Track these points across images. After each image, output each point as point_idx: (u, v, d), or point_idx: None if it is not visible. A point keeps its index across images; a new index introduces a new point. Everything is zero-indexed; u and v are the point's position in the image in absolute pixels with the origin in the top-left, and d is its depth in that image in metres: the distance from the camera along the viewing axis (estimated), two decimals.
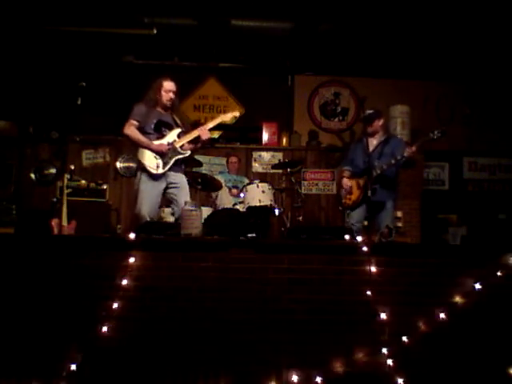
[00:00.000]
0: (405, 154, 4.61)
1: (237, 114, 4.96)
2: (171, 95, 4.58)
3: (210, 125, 4.71)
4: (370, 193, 4.73)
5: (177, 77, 4.73)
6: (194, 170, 6.14)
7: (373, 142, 5.00)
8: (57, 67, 7.67)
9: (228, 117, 4.85)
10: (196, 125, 5.12)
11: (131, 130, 4.51)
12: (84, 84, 4.41)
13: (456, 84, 8.24)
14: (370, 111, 5.07)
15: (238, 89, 7.94)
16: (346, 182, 5.05)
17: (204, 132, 4.59)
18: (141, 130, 4.53)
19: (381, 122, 5.02)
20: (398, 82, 8.10)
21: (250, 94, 8.15)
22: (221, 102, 8.12)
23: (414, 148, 4.61)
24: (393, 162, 4.70)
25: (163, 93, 4.57)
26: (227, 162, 6.75)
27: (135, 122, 4.52)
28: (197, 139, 4.62)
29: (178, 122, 4.68)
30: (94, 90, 4.80)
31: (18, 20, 6.92)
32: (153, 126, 4.56)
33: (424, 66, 7.79)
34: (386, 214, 4.84)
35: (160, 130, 4.58)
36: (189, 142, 4.63)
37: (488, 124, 8.08)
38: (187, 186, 4.69)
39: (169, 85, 4.58)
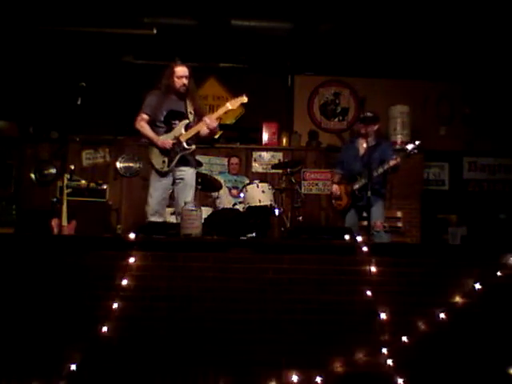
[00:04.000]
0: (390, 163, 4.75)
1: (245, 99, 4.69)
2: (184, 80, 4.45)
3: (217, 114, 4.58)
4: (368, 192, 4.78)
5: None
6: None
7: (363, 145, 4.98)
8: (57, 67, 7.68)
9: (235, 104, 4.65)
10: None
11: (141, 125, 4.45)
12: (84, 84, 4.39)
13: (456, 84, 8.25)
14: (370, 114, 5.06)
15: (238, 89, 7.88)
16: (335, 189, 5.15)
17: (211, 122, 4.45)
18: (152, 123, 4.46)
19: (376, 127, 5.03)
20: (397, 82, 8.11)
21: (250, 94, 8.09)
22: (221, 102, 8.07)
23: (398, 159, 4.77)
24: (380, 171, 4.79)
25: (176, 79, 4.44)
26: (228, 162, 6.74)
27: (145, 116, 4.45)
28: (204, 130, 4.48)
29: (190, 110, 4.52)
30: (93, 90, 4.79)
31: (18, 20, 6.92)
32: (163, 119, 4.45)
33: (424, 66, 7.79)
34: (375, 210, 4.82)
35: (169, 122, 4.45)
36: (197, 134, 4.48)
37: (488, 124, 8.08)
38: (193, 184, 4.59)
39: (181, 70, 4.46)
